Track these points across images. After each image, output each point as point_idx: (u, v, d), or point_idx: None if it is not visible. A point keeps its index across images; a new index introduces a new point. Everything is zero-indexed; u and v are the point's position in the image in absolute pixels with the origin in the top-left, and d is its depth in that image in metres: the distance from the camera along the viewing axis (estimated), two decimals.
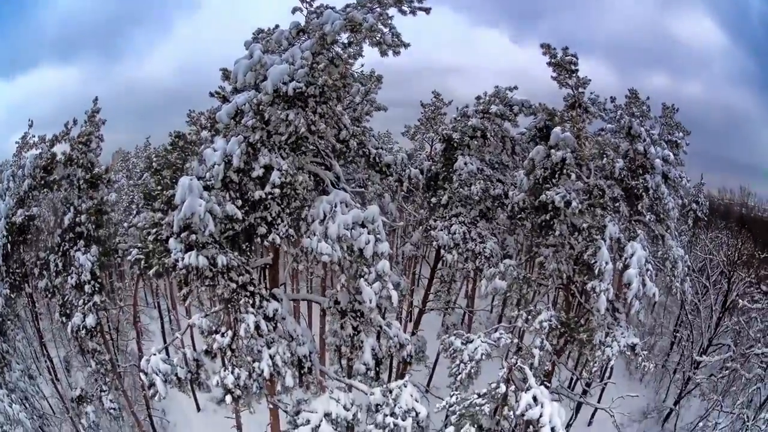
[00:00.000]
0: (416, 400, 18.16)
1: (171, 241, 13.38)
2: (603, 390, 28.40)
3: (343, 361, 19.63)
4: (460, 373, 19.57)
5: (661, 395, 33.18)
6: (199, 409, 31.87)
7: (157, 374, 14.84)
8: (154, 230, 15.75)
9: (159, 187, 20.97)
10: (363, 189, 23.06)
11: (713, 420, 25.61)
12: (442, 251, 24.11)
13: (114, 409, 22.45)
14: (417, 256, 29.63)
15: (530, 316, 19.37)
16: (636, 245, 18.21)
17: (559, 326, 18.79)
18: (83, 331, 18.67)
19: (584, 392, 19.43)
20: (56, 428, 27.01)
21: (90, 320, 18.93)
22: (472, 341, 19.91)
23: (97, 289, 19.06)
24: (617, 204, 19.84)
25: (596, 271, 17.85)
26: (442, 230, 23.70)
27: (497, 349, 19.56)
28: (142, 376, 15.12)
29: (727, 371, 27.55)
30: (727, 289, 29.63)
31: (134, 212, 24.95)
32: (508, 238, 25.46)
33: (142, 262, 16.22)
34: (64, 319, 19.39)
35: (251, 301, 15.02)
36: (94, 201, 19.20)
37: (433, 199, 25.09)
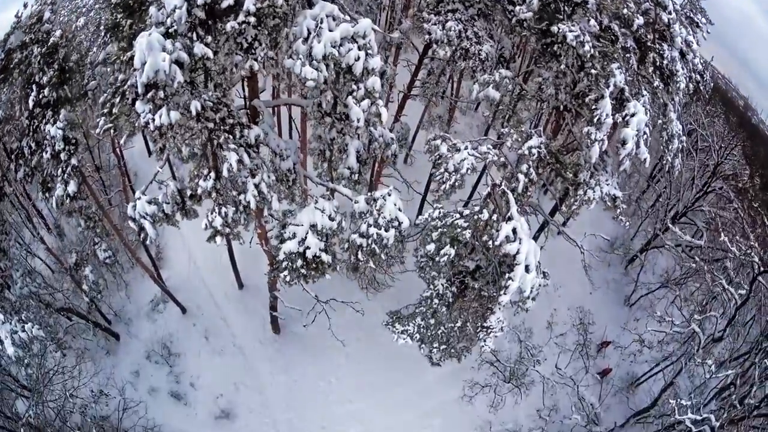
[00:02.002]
0: (399, 209, 18.30)
1: (138, 104, 11.75)
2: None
3: (325, 165, 19.11)
4: (444, 183, 19.47)
5: (630, 233, 32.88)
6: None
7: (144, 218, 14.52)
8: (118, 100, 13.36)
9: (119, 49, 17.45)
10: None
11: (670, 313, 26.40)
12: (434, 45, 21.47)
13: (109, 257, 22.38)
14: (405, 43, 26.18)
15: (519, 138, 18.54)
16: (639, 107, 17.05)
17: (547, 156, 18.17)
18: (68, 200, 17.48)
19: (564, 224, 19.88)
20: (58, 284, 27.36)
21: (72, 187, 17.67)
22: (459, 150, 19.31)
23: (72, 151, 17.36)
24: (628, 55, 18.02)
25: (595, 120, 16.78)
26: (435, 24, 20.70)
27: (483, 163, 19.13)
28: (131, 223, 14.82)
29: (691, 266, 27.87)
30: (717, 162, 28.13)
31: (100, 43, 20.65)
32: (505, 39, 22.60)
33: (112, 130, 14.22)
34: (47, 194, 17.97)
35: (231, 136, 13.89)
36: (54, 68, 16.32)
37: None
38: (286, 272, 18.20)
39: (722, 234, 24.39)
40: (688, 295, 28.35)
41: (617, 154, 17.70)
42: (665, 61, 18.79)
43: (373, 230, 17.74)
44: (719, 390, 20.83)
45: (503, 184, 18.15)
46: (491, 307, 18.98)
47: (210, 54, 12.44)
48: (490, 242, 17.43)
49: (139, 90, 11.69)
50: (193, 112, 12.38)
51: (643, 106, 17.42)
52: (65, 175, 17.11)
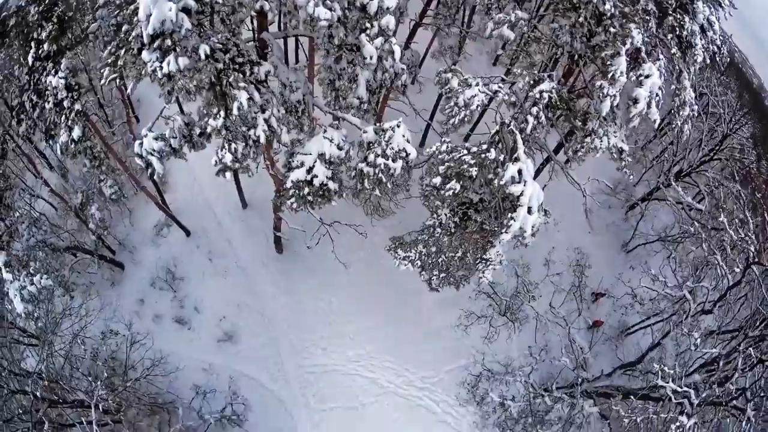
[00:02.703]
0: (408, 141, 18.42)
1: (144, 54, 11.49)
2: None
3: (334, 95, 18.94)
4: (454, 117, 19.36)
5: (633, 179, 31.91)
6: None
7: (152, 154, 14.49)
8: (123, 52, 12.88)
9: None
10: None
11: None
12: None
13: (114, 193, 22.08)
14: None
15: (532, 81, 18.31)
16: (654, 70, 16.87)
17: (557, 102, 18.01)
18: (73, 145, 17.10)
19: (567, 162, 19.82)
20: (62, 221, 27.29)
21: (76, 132, 17.41)
22: (470, 86, 19.12)
23: (75, 97, 16.99)
24: (647, 17, 17.57)
25: (609, 75, 16.56)
26: None
27: (494, 101, 18.97)
28: (138, 160, 14.76)
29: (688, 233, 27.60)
30: (725, 132, 27.62)
31: None
32: None
33: (117, 79, 13.80)
34: (51, 142, 17.53)
35: (241, 74, 13.75)
36: (53, 22, 15.82)
37: None
38: (293, 199, 18.46)
39: (722, 214, 24.44)
40: (684, 255, 28.62)
41: (627, 111, 17.64)
42: (685, 32, 18.56)
43: (380, 160, 17.96)
44: (704, 363, 21.29)
45: (512, 124, 18.10)
46: (492, 241, 19.41)
47: None
48: (496, 181, 17.64)
49: (145, 40, 11.45)
50: (202, 56, 12.18)
51: (658, 70, 17.31)
52: (69, 121, 16.92)
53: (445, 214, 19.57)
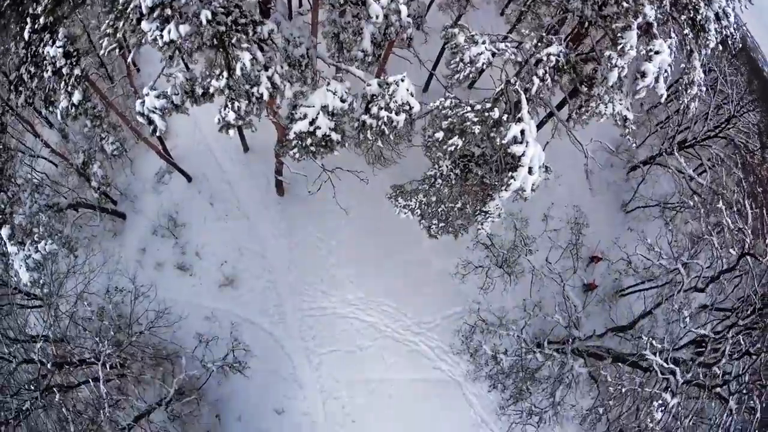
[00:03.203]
0: (411, 95, 18.36)
1: (143, 24, 11.26)
2: None
3: (336, 47, 18.64)
4: (458, 72, 19.12)
5: (636, 141, 31.50)
6: None
7: (153, 112, 14.37)
8: (122, 24, 12.33)
9: None
10: None
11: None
12: None
13: (116, 149, 21.58)
14: None
15: (540, 43, 17.95)
16: (665, 47, 16.50)
17: (565, 65, 17.73)
18: (74, 109, 16.64)
19: (568, 118, 19.51)
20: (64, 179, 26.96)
21: (77, 96, 17.07)
22: (476, 44, 18.78)
23: (74, 63, 16.54)
24: None
25: (618, 48, 16.23)
26: None
27: (500, 58, 18.64)
28: (140, 119, 14.62)
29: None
30: (732, 113, 26.83)
31: None
32: None
33: (117, 50, 13.33)
34: (51, 108, 17.02)
35: (244, 35, 13.54)
36: None
37: None
38: (295, 149, 18.52)
39: (720, 200, 24.33)
40: (683, 225, 28.83)
41: (635, 83, 17.43)
42: (699, 17, 18.16)
43: (383, 113, 17.99)
44: (693, 340, 21.48)
45: (517, 83, 17.91)
46: (491, 194, 19.57)
47: None
48: (498, 140, 17.64)
49: (144, 11, 11.21)
50: (204, 22, 11.95)
51: (669, 48, 17.02)
52: (69, 87, 16.64)
53: (447, 166, 19.66)
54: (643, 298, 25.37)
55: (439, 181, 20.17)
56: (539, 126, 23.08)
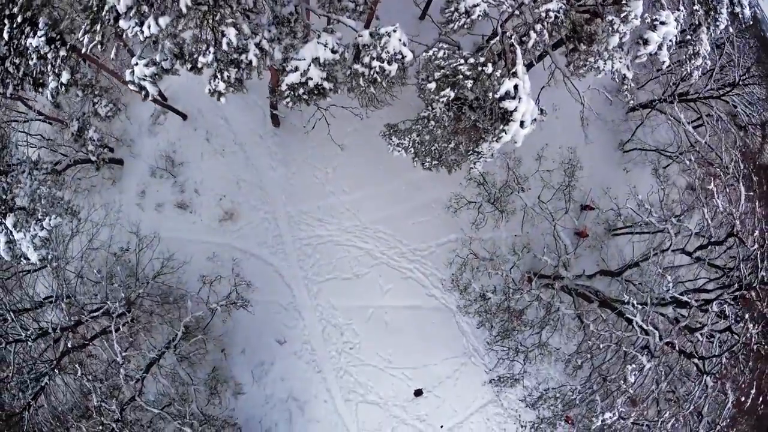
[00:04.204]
0: (404, 44, 18.14)
1: (122, 22, 10.94)
2: None
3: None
4: (453, 22, 18.59)
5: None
6: None
7: (144, 79, 14.20)
8: (99, 26, 11.60)
9: None
10: None
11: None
12: None
13: (110, 110, 20.70)
14: None
15: None
16: (671, 19, 16.31)
17: (564, 21, 17.14)
18: (63, 88, 15.89)
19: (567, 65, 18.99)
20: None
21: (65, 76, 16.43)
22: None
23: (58, 45, 15.82)
24: None
25: (623, 15, 15.61)
26: None
27: (496, 8, 18.02)
28: (131, 87, 14.43)
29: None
30: (735, 81, 25.75)
31: None
32: None
33: (99, 45, 12.60)
34: (40, 89, 16.13)
35: (229, 9, 13.24)
36: None
37: None
38: (288, 99, 18.51)
39: (712, 182, 24.22)
40: (677, 177, 28.89)
41: (636, 47, 17.05)
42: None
43: (375, 63, 17.85)
44: (677, 301, 21.68)
45: (513, 36, 17.49)
46: (484, 137, 19.73)
47: None
48: (491, 94, 17.57)
49: (121, 11, 10.87)
50: (184, 10, 11.56)
51: (676, 20, 16.69)
52: (56, 68, 16.21)
53: (440, 108, 19.65)
54: (632, 245, 26.05)
55: (432, 123, 20.21)
56: (528, 66, 22.67)
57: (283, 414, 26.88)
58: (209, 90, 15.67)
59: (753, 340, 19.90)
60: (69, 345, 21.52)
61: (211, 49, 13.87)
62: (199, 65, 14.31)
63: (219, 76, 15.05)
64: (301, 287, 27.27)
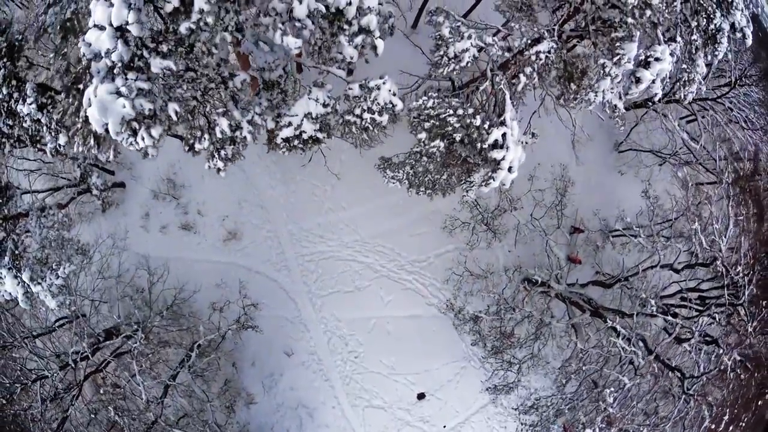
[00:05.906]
0: (394, 94, 18.57)
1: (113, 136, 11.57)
2: None
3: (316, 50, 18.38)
4: (442, 67, 18.89)
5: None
6: None
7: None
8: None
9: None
10: None
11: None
12: None
13: (109, 157, 20.88)
14: None
15: (529, 41, 17.40)
16: (667, 54, 16.10)
17: (555, 62, 17.28)
18: (62, 148, 16.69)
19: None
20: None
21: (62, 139, 16.92)
22: (462, 38, 18.35)
23: (50, 109, 16.26)
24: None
25: (614, 59, 16.10)
26: None
27: (486, 53, 18.31)
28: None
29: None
30: (734, 80, 25.72)
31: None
32: None
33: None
34: (39, 146, 17.40)
35: (218, 101, 13.85)
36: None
37: None
38: (283, 150, 19.11)
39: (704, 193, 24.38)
40: (670, 183, 29.08)
41: (629, 85, 17.12)
42: (711, 26, 17.28)
43: (366, 115, 18.32)
44: (665, 311, 22.18)
45: (503, 81, 17.80)
46: (475, 169, 20.36)
47: (172, 66, 11.91)
48: (479, 144, 18.10)
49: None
50: (174, 117, 12.10)
51: (672, 53, 16.49)
52: (51, 131, 16.65)
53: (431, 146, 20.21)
54: (627, 252, 26.91)
55: (425, 159, 20.76)
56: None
57: (293, 421, 28.47)
58: (208, 167, 16.28)
59: (733, 365, 20.80)
60: (87, 372, 22.83)
61: (206, 136, 14.46)
62: (197, 149, 14.90)
63: (216, 156, 15.65)
64: (306, 301, 28.36)
